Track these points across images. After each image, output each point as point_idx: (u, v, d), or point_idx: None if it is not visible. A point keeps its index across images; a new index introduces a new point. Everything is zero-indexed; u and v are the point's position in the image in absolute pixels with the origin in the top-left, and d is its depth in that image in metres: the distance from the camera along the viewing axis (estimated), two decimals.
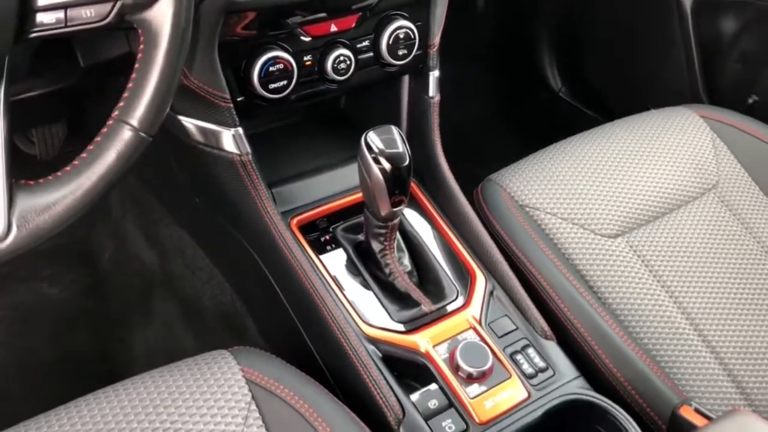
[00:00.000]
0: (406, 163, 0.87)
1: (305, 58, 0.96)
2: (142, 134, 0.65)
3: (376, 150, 0.87)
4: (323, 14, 0.95)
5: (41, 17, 0.60)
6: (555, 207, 1.11)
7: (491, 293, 1.00)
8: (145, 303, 1.40)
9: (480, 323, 0.96)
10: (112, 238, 1.46)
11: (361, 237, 1.04)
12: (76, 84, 0.95)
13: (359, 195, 1.06)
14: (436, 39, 1.05)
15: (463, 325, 0.95)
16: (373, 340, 0.93)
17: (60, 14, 0.60)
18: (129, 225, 1.43)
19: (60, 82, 0.94)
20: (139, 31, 0.64)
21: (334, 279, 0.99)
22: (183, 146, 0.99)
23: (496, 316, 0.98)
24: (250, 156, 0.96)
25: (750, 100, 1.54)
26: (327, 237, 1.05)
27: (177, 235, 1.34)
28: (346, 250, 1.03)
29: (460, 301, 0.98)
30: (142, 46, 0.64)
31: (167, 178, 1.25)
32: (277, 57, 0.92)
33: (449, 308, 0.97)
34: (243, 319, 1.25)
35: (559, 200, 1.12)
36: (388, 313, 0.96)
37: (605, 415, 0.89)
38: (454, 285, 1.00)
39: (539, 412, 0.89)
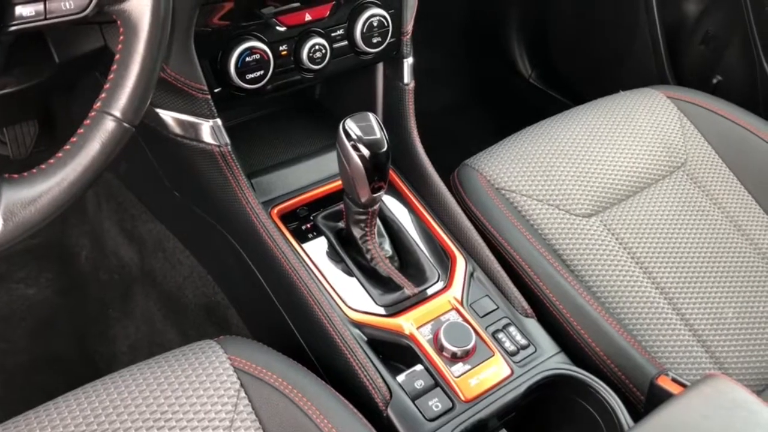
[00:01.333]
0: (385, 149, 0.88)
1: (281, 48, 0.97)
2: (126, 124, 0.65)
3: (355, 137, 0.88)
4: (297, 4, 0.96)
5: (20, 10, 0.60)
6: (530, 189, 1.13)
7: (471, 275, 1.02)
8: (125, 300, 1.39)
9: (462, 304, 0.97)
10: (89, 235, 1.45)
11: (341, 224, 1.05)
12: (50, 80, 0.94)
13: (338, 183, 1.07)
14: (409, 26, 1.07)
15: (446, 306, 0.97)
16: (357, 325, 0.94)
17: (39, 6, 0.60)
18: (106, 222, 1.42)
19: (34, 79, 0.92)
20: (119, 22, 0.64)
21: (317, 266, 1.00)
22: (161, 139, 0.99)
23: (477, 297, 0.99)
24: (229, 147, 0.96)
25: (714, 80, 1.58)
26: (308, 225, 1.05)
27: (156, 230, 1.33)
28: (327, 238, 1.04)
29: (442, 283, 1.00)
30: (122, 38, 0.64)
31: (145, 173, 1.24)
32: (253, 47, 0.92)
33: (431, 291, 0.99)
34: (225, 312, 1.25)
35: (534, 182, 1.14)
36: (372, 298, 0.98)
37: (586, 388, 0.92)
38: (435, 268, 1.02)
39: (522, 388, 0.92)
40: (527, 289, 1.04)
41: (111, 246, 1.41)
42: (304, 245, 1.03)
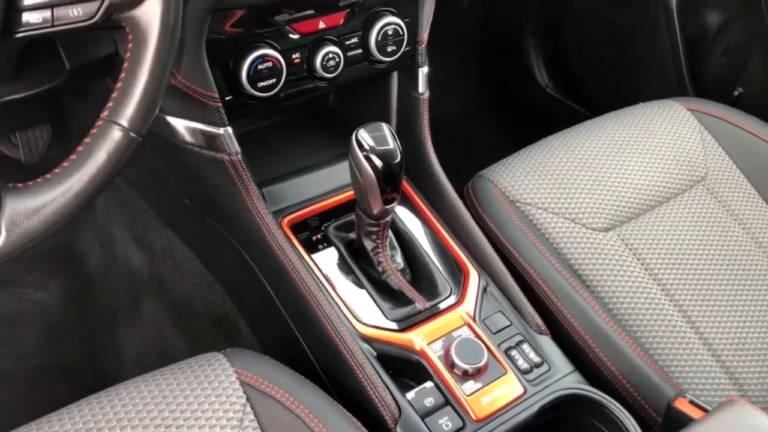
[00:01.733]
0: (398, 159, 0.87)
1: (294, 56, 0.95)
2: (132, 134, 0.64)
3: (367, 147, 0.86)
4: (311, 11, 0.94)
5: (27, 17, 0.58)
6: (546, 202, 1.11)
7: (484, 289, 1.00)
8: (134, 307, 1.38)
9: (474, 320, 0.95)
10: (99, 241, 1.44)
11: (352, 235, 1.03)
12: (61, 86, 0.94)
13: (350, 193, 1.05)
14: (424, 35, 1.05)
15: (457, 322, 0.95)
16: (367, 339, 0.93)
17: (47, 13, 0.59)
18: (116, 228, 1.41)
19: (45, 84, 0.92)
20: (127, 29, 0.63)
21: (327, 278, 0.99)
22: (172, 147, 0.98)
23: (490, 312, 0.97)
24: (239, 156, 0.95)
25: (735, 93, 1.55)
26: (318, 236, 1.04)
27: (166, 237, 1.32)
28: (338, 249, 1.03)
29: (454, 298, 0.98)
30: (130, 45, 0.63)
31: (155, 180, 1.23)
32: (265, 55, 0.91)
33: (443, 305, 0.97)
34: (235, 322, 1.24)
35: (550, 195, 1.12)
36: (382, 312, 0.96)
37: (601, 409, 0.89)
38: (448, 282, 1.00)
39: (535, 408, 0.89)
40: (541, 304, 1.01)
41: (121, 252, 1.41)
42: (314, 256, 1.01)
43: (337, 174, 1.09)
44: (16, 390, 1.31)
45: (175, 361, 0.86)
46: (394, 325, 0.94)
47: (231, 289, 1.24)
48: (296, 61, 0.96)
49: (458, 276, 1.01)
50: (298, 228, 1.04)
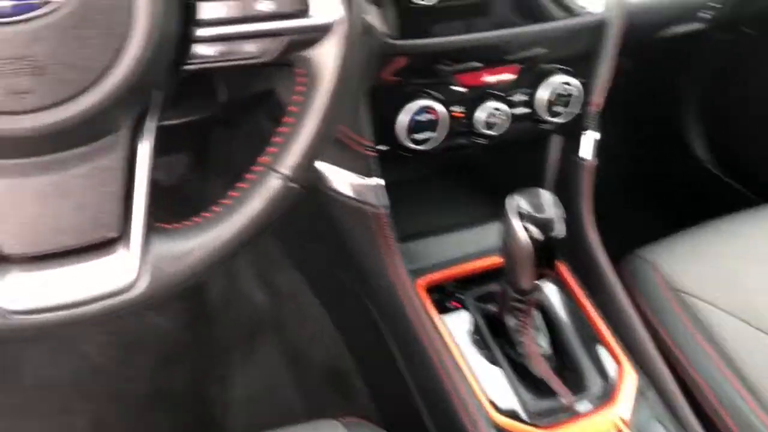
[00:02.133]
0: (560, 232, 0.77)
1: (455, 109, 0.88)
2: (293, 184, 0.58)
3: (526, 214, 0.77)
4: (479, 64, 0.87)
5: (199, 49, 0.54)
6: (716, 296, 0.97)
7: (641, 391, 0.87)
8: (250, 345, 1.35)
9: (628, 426, 0.83)
10: (224, 274, 1.42)
11: (492, 307, 0.94)
12: (212, 117, 0.91)
13: (495, 260, 0.97)
14: (599, 97, 0.96)
15: (609, 427, 0.83)
16: (501, 430, 0.82)
17: (220, 47, 0.54)
18: (243, 263, 1.39)
19: (198, 114, 0.90)
20: (300, 70, 0.57)
21: (459, 348, 0.90)
22: (312, 191, 0.93)
23: (646, 420, 0.85)
24: (387, 210, 0.88)
25: None
26: (455, 302, 0.95)
27: (292, 280, 1.28)
28: (475, 320, 0.94)
29: (605, 396, 0.86)
30: (300, 87, 0.58)
31: (289, 221, 1.19)
32: (427, 107, 0.85)
33: (592, 404, 0.85)
34: (352, 379, 1.17)
35: (720, 288, 0.98)
36: (520, 400, 0.86)
37: None
38: (598, 377, 0.88)
39: None
40: (707, 418, 0.88)
41: (245, 289, 1.38)
42: (446, 319, 0.92)
43: (482, 236, 1.01)
44: (124, 411, 1.29)
45: (284, 409, 0.80)
46: (533, 419, 0.84)
47: (353, 345, 1.17)
48: (457, 115, 0.89)
49: (611, 371, 0.89)
50: (433, 290, 0.96)
